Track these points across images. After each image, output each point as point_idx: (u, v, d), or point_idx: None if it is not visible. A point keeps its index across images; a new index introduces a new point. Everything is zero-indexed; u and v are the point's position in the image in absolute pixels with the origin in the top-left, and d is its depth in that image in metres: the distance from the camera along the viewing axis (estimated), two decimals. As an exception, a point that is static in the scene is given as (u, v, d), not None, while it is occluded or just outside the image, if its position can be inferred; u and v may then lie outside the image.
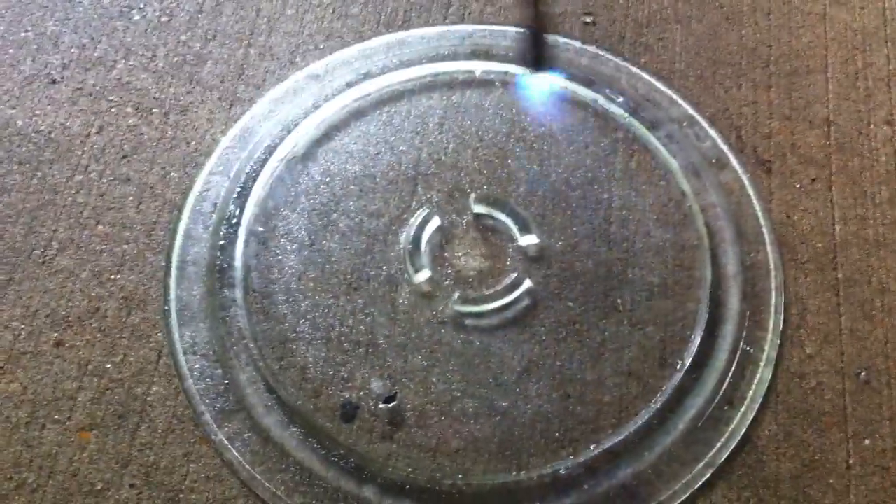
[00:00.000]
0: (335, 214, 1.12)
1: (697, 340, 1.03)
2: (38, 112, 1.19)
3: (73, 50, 1.24)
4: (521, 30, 1.23)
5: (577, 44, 1.23)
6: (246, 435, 1.00)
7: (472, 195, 1.12)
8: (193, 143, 1.17)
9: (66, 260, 1.09)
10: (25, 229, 1.11)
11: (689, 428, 0.99)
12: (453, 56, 1.23)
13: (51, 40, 1.25)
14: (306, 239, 1.10)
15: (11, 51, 1.24)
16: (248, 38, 1.25)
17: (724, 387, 1.01)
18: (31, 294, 1.08)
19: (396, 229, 1.11)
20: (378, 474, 0.97)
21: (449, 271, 1.09)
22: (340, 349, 1.04)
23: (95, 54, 1.24)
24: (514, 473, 0.97)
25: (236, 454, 0.99)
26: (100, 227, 1.11)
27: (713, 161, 1.14)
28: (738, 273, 1.07)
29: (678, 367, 1.02)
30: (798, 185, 1.13)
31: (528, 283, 1.06)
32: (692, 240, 1.09)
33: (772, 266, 1.07)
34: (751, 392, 1.01)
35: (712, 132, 1.16)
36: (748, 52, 1.23)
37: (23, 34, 1.25)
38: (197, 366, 1.03)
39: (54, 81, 1.21)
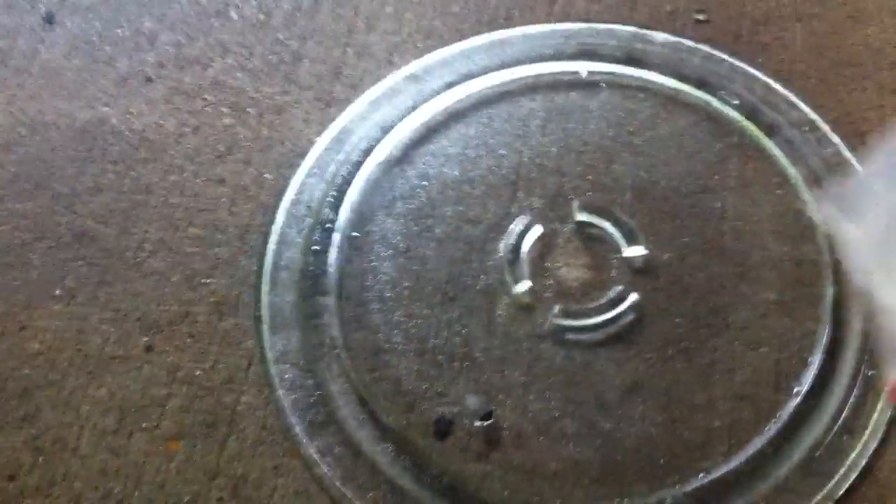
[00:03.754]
0: (431, 220, 1.08)
1: (816, 363, 0.97)
2: (132, 111, 1.18)
3: (168, 48, 1.22)
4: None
5: (689, 42, 1.17)
6: (337, 449, 0.97)
7: (576, 202, 1.08)
8: (289, 144, 1.14)
9: (158, 262, 1.08)
10: (118, 230, 1.10)
11: (805, 458, 0.93)
12: (557, 56, 1.18)
13: (147, 38, 1.23)
14: (402, 245, 1.07)
15: (108, 48, 1.23)
16: (345, 37, 1.22)
17: (844, 414, 0.95)
18: (122, 297, 1.06)
19: (495, 237, 1.07)
20: (473, 496, 0.94)
21: (550, 282, 1.05)
22: (435, 362, 1.01)
23: (192, 53, 1.22)
24: (616, 500, 0.93)
25: (326, 469, 0.96)
26: (192, 229, 1.10)
27: (836, 169, 1.07)
28: (860, 291, 1.00)
29: (795, 391, 0.96)
30: (927, 195, 1.06)
31: (633, 297, 1.02)
32: (812, 254, 1.03)
33: (899, 283, 1.00)
34: (873, 420, 0.95)
35: (835, 138, 1.09)
36: (873, 53, 1.16)
37: (118, 31, 1.24)
38: (288, 375, 1.01)
39: (149, 80, 1.20)
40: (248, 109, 1.17)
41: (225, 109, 1.18)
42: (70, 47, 1.23)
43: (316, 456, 0.97)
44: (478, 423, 0.97)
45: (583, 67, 1.17)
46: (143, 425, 0.99)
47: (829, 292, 1.00)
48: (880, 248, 0.83)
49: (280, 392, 1.00)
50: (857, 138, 1.10)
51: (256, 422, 0.99)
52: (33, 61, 1.22)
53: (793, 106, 1.12)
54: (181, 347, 1.03)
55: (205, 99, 1.18)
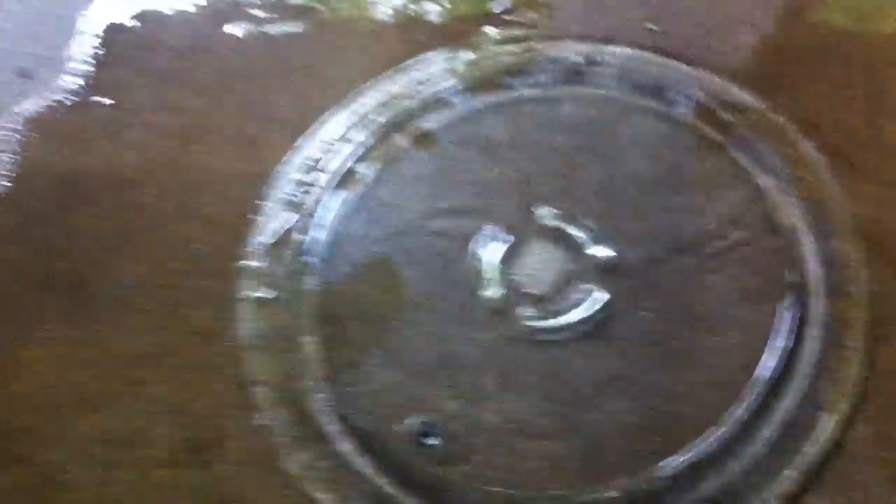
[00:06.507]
0: (404, 237, 1.10)
1: (782, 344, 0.98)
2: (109, 155, 1.20)
3: (143, 90, 1.25)
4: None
5: (644, 53, 1.20)
6: (321, 464, 0.98)
7: (543, 209, 1.09)
8: (261, 174, 1.16)
9: (140, 298, 1.09)
10: (99, 271, 1.12)
11: (777, 435, 0.94)
12: (523, 73, 1.21)
13: (119, 85, 1.26)
14: (376, 263, 1.09)
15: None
16: (310, 67, 1.25)
17: (812, 390, 0.96)
18: (105, 333, 1.08)
19: (466, 247, 1.08)
20: (456, 498, 0.95)
21: (521, 287, 1.06)
22: (413, 372, 1.02)
23: (166, 96, 1.25)
24: (595, 488, 0.94)
25: (312, 484, 0.97)
26: (172, 263, 1.12)
27: (792, 160, 1.10)
28: (822, 272, 1.02)
29: (762, 372, 0.97)
30: (882, 181, 1.08)
31: (602, 296, 1.03)
32: (772, 241, 1.05)
33: (858, 263, 1.02)
34: (841, 394, 0.96)
35: (790, 131, 1.12)
36: (823, 49, 1.19)
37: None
38: (269, 396, 1.02)
39: (125, 124, 1.22)
40: (220, 143, 1.20)
41: (198, 146, 1.20)
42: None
43: (300, 472, 0.98)
44: (428, 442, 0.98)
45: (545, 83, 1.19)
46: (131, 456, 1.00)
47: (791, 276, 1.02)
48: None
49: (263, 413, 1.01)
50: (812, 129, 1.12)
51: (241, 444, 1.00)
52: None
53: (747, 105, 1.14)
54: (166, 378, 1.04)
55: (179, 139, 1.21)
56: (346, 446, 0.99)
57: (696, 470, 0.93)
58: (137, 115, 1.23)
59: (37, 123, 1.24)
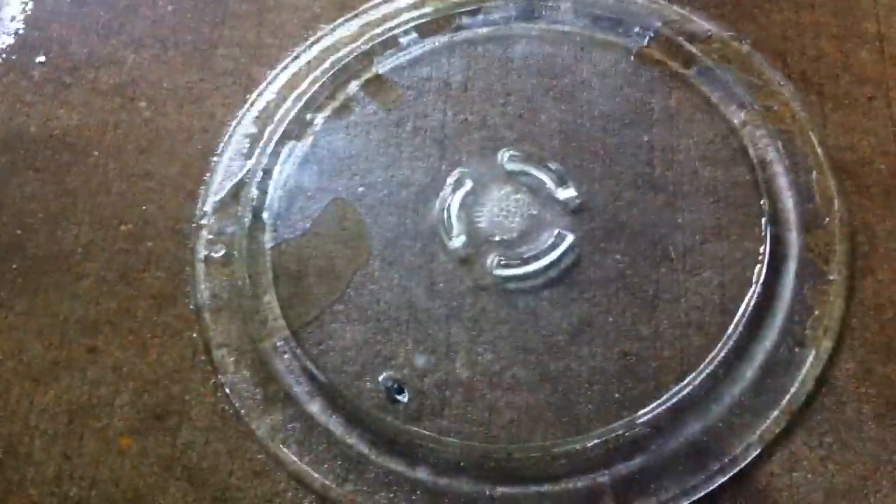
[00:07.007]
0: (362, 189, 1.07)
1: (759, 281, 0.96)
2: (51, 117, 1.15)
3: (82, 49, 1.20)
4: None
5: (602, -16, 1.16)
6: (290, 426, 0.96)
7: (504, 152, 1.07)
8: (211, 130, 1.12)
9: (92, 263, 1.06)
10: (47, 236, 1.08)
11: (758, 375, 0.93)
12: (473, 12, 1.17)
13: (59, 43, 1.21)
14: (332, 216, 1.06)
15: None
16: (257, 17, 1.20)
17: (792, 327, 0.95)
18: (59, 301, 1.04)
19: (427, 196, 1.06)
20: (430, 454, 0.93)
21: (486, 234, 1.03)
22: (380, 327, 1.00)
23: (105, 52, 1.19)
24: (574, 438, 0.92)
25: (281, 447, 0.95)
26: (123, 226, 1.08)
27: (759, 90, 1.07)
28: (796, 205, 1.00)
29: (741, 311, 0.96)
30: (854, 106, 1.06)
31: (570, 239, 1.01)
32: (744, 175, 1.03)
33: (833, 193, 1.00)
34: (822, 329, 0.94)
35: (755, 59, 1.09)
36: (785, -28, 1.15)
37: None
38: (232, 358, 0.99)
39: (66, 84, 1.17)
40: (165, 99, 1.15)
41: (143, 104, 1.15)
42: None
43: (269, 434, 0.95)
44: (399, 398, 0.97)
45: (499, 21, 1.16)
46: (93, 425, 0.98)
47: (765, 210, 1.00)
48: None
49: (227, 376, 0.99)
50: (778, 58, 1.09)
51: (206, 409, 0.98)
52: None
53: (710, 34, 1.11)
54: (124, 344, 1.02)
55: (122, 96, 1.16)
56: (314, 407, 0.96)
57: (678, 415, 0.92)
58: (75, 73, 1.18)
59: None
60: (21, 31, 1.22)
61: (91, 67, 1.18)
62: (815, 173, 1.02)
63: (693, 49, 1.10)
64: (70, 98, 1.16)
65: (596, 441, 0.91)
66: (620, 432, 0.91)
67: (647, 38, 1.11)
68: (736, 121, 1.05)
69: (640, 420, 0.92)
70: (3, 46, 1.21)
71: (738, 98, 1.06)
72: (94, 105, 1.16)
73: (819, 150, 1.03)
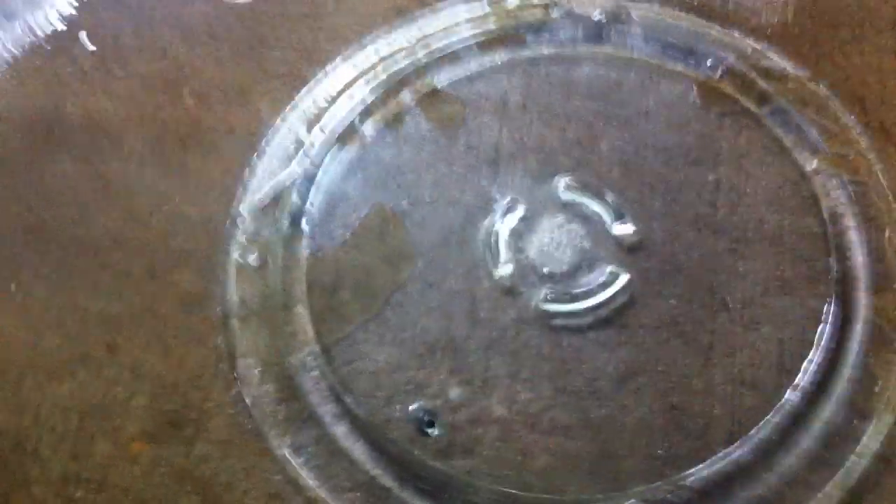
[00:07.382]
0: (407, 203, 1.03)
1: (822, 342, 0.92)
2: (91, 101, 1.12)
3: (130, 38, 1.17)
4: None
5: (674, 10, 1.11)
6: (311, 448, 0.93)
7: (560, 180, 1.02)
8: (255, 129, 1.09)
9: (119, 256, 1.02)
10: (76, 223, 1.04)
11: (814, 446, 0.89)
12: (537, 29, 1.12)
13: (108, 29, 1.17)
14: (375, 229, 1.02)
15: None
16: (313, 19, 1.16)
17: (854, 397, 0.91)
18: (81, 292, 1.01)
19: (475, 219, 1.02)
20: (458, 494, 0.90)
21: (535, 265, 0.99)
22: (414, 353, 0.96)
23: (154, 41, 1.16)
24: (612, 494, 0.89)
25: (301, 470, 0.92)
26: (154, 220, 1.04)
27: (835, 137, 1.02)
28: (867, 263, 0.96)
29: (800, 373, 0.92)
30: (933, 161, 1.02)
31: (624, 278, 0.97)
32: (813, 226, 0.98)
33: (907, 255, 0.96)
34: (886, 402, 0.90)
35: (832, 104, 1.04)
36: (869, 13, 1.10)
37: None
38: (257, 370, 0.96)
39: (109, 70, 1.14)
40: (211, 95, 1.11)
41: (189, 98, 1.12)
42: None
43: (289, 455, 0.92)
44: (429, 431, 0.93)
45: (564, 40, 1.11)
46: (106, 427, 0.95)
47: (833, 266, 0.96)
48: None
49: (250, 389, 0.95)
50: (856, 103, 1.05)
51: (226, 421, 0.95)
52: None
53: (785, 72, 1.06)
54: (144, 344, 0.98)
55: (169, 89, 1.12)
56: (339, 430, 0.93)
57: (726, 481, 0.88)
58: (123, 62, 1.14)
59: (14, 66, 1.15)
60: (73, 17, 1.18)
61: (141, 59, 1.15)
62: (888, 231, 0.97)
63: (767, 87, 1.05)
64: (115, 87, 1.13)
65: (635, 500, 0.88)
66: (663, 494, 0.87)
67: (720, 71, 1.07)
68: (808, 167, 1.01)
69: (686, 482, 0.88)
70: (53, 32, 1.17)
71: (812, 143, 1.02)
72: (139, 96, 1.12)
73: (894, 206, 0.98)
